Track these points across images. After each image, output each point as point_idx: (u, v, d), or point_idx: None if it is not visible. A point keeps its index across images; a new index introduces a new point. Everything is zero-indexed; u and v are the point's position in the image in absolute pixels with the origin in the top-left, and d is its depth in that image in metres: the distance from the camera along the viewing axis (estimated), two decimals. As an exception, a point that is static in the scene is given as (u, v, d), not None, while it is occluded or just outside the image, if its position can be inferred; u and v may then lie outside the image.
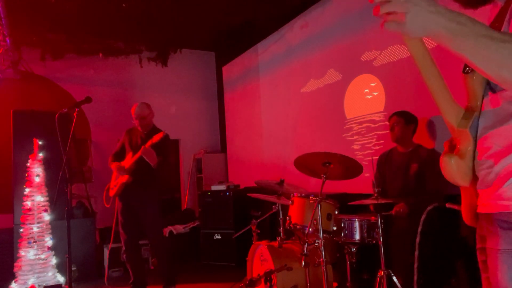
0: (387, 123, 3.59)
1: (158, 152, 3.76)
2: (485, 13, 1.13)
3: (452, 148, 1.13)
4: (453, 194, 1.22)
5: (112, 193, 3.96)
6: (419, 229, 1.90)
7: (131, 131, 4.09)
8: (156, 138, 3.66)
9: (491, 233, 1.04)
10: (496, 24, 1.04)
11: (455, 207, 1.33)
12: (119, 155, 4.04)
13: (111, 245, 4.46)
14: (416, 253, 1.99)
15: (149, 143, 3.69)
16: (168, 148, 4.01)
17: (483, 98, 1.07)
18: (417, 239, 1.94)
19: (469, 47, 0.87)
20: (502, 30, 1.01)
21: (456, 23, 0.85)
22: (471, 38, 0.85)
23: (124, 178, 3.84)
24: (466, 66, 1.05)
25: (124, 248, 3.92)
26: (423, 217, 1.84)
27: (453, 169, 1.08)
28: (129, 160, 3.86)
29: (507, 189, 1.00)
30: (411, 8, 0.85)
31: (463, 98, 1.11)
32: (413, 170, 3.29)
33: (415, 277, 2.08)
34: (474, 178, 1.10)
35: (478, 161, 1.08)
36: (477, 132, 1.08)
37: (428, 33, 0.87)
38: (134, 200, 3.87)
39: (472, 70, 1.03)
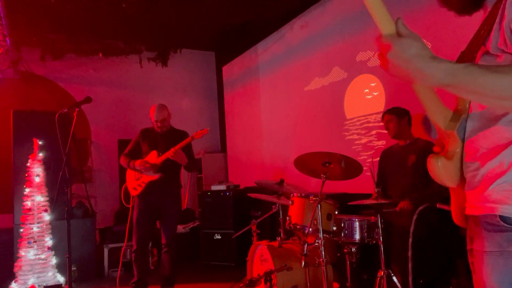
0: (383, 121, 3.58)
1: (186, 154, 3.84)
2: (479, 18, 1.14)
3: (441, 149, 1.14)
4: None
5: (136, 192, 3.91)
6: (411, 229, 1.91)
7: (146, 131, 4.07)
8: (185, 141, 3.74)
9: (477, 235, 1.05)
10: (484, 27, 1.05)
11: (446, 207, 1.35)
12: (132, 155, 3.99)
13: (125, 244, 4.41)
14: (410, 253, 2.00)
15: (178, 146, 3.72)
16: (191, 148, 4.06)
17: (471, 101, 1.08)
18: (410, 240, 1.95)
19: (466, 92, 0.91)
20: (493, 31, 1.01)
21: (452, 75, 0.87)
22: (469, 83, 0.88)
23: (155, 177, 3.81)
24: None
25: (135, 247, 3.89)
26: (415, 217, 1.85)
27: (440, 170, 1.10)
28: (154, 159, 3.84)
29: (493, 192, 1.01)
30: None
31: (453, 100, 1.11)
32: (411, 161, 3.29)
33: (410, 278, 2.09)
34: (463, 179, 1.11)
35: (466, 163, 1.09)
36: (465, 134, 1.09)
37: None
38: (158, 198, 3.87)
39: None
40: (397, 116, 3.40)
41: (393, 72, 0.90)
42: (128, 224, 4.04)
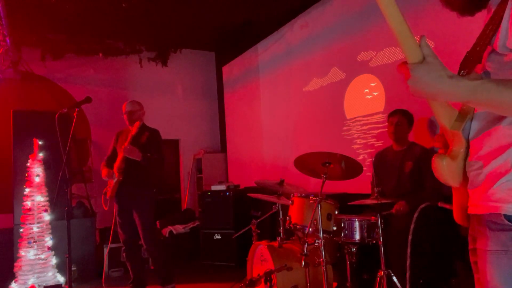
0: (390, 119, 3.54)
1: (147, 148, 3.79)
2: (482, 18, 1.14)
3: (446, 148, 1.14)
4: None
5: (108, 195, 3.96)
6: (412, 226, 1.91)
7: (120, 133, 4.08)
8: (129, 137, 3.71)
9: (481, 234, 1.05)
10: (490, 27, 1.05)
11: (447, 206, 1.35)
12: (112, 159, 4.00)
13: (109, 245, 4.47)
14: (408, 250, 2.00)
15: (127, 142, 3.71)
16: (157, 144, 3.98)
17: None
18: (409, 237, 1.95)
19: (486, 106, 0.98)
20: (500, 30, 1.02)
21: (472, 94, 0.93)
22: (488, 99, 0.93)
23: (116, 178, 3.85)
24: (460, 69, 1.07)
25: (123, 247, 3.94)
26: (416, 215, 1.86)
27: (444, 170, 1.10)
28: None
29: (496, 191, 1.00)
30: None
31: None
32: (408, 168, 3.29)
33: (408, 274, 2.10)
34: (466, 178, 1.11)
35: (469, 162, 1.09)
36: (469, 134, 1.09)
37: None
38: (127, 199, 3.88)
39: (466, 73, 1.05)
40: (408, 121, 3.41)
41: (417, 95, 0.96)
42: (112, 226, 4.06)
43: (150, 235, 3.94)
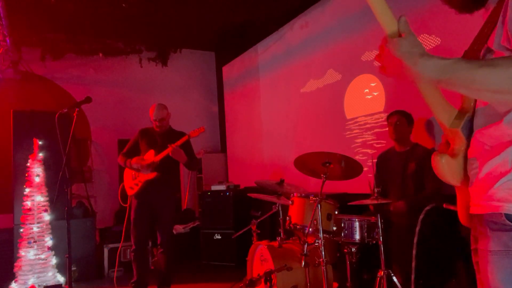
0: (389, 120, 3.54)
1: (186, 153, 3.86)
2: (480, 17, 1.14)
3: (446, 147, 1.14)
4: (454, 193, 1.22)
5: (132, 192, 3.92)
6: (417, 228, 1.90)
7: (145, 131, 4.09)
8: (182, 140, 3.76)
9: (482, 234, 1.04)
10: (488, 25, 1.05)
11: (452, 207, 1.34)
12: (130, 154, 4.00)
13: (121, 244, 4.42)
14: (414, 252, 1.99)
15: (177, 143, 3.74)
16: (192, 148, 4.07)
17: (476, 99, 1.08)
18: (415, 239, 1.94)
19: (458, 86, 0.92)
20: (495, 31, 1.02)
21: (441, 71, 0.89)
22: (459, 78, 0.89)
23: (151, 175, 3.82)
24: None
25: (133, 246, 3.91)
26: (421, 216, 1.85)
27: (444, 168, 1.10)
28: (151, 158, 3.85)
29: (497, 190, 1.00)
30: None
31: (458, 99, 1.11)
32: (410, 170, 3.29)
33: (413, 277, 2.09)
34: (467, 178, 1.10)
35: (469, 160, 1.09)
36: (469, 132, 1.08)
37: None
38: (154, 197, 3.87)
39: None
40: (407, 120, 3.40)
41: (389, 71, 0.93)
42: (125, 224, 4.04)
43: (169, 236, 3.96)
